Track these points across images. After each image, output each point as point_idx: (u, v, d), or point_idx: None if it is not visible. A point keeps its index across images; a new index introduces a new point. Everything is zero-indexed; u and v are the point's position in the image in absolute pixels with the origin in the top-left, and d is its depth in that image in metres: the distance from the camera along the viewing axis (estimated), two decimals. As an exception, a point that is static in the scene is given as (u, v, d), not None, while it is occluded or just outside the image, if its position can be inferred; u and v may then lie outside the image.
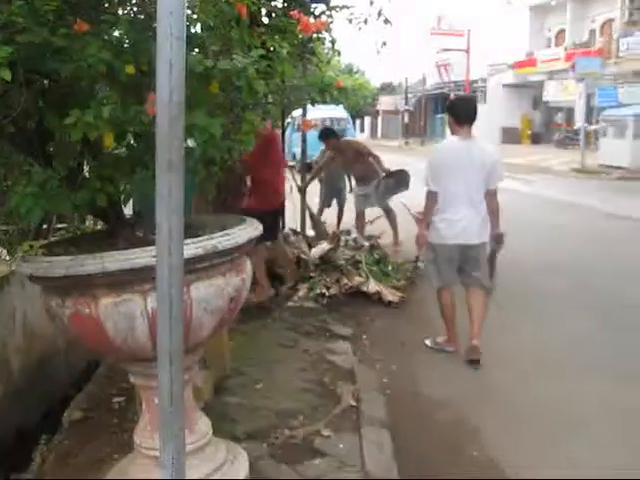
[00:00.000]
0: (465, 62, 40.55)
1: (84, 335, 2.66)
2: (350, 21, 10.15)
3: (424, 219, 5.59)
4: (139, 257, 2.38)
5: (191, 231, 2.72)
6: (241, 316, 6.08)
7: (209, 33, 2.79)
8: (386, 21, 9.42)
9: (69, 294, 2.55)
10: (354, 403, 4.14)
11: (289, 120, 27.68)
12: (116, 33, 2.56)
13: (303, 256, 7.24)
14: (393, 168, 9.96)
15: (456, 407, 4.45)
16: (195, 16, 2.72)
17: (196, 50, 2.85)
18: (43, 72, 2.44)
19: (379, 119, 58.72)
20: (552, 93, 36.24)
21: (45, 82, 2.56)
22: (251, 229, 2.76)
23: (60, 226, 4.84)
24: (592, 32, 35.14)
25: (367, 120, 60.00)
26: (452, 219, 5.39)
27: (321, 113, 27.21)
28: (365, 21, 9.56)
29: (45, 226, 4.11)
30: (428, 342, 5.74)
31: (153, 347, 2.45)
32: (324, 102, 3.72)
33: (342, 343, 5.51)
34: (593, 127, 27.11)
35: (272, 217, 6.38)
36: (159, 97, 1.72)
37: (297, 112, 27.61)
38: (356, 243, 8.29)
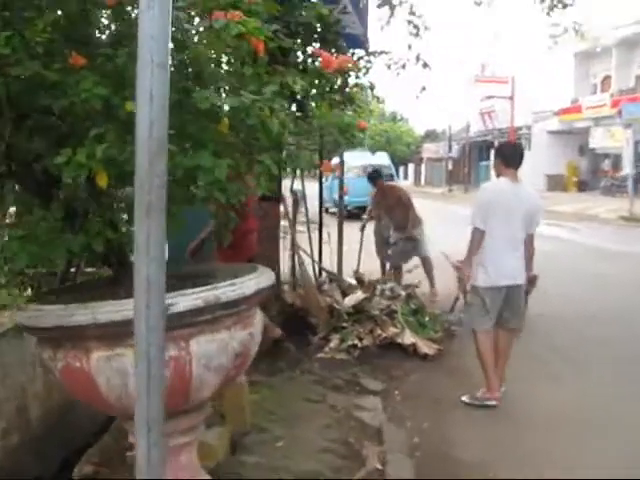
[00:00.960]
0: (509, 109, 40.23)
1: (76, 390, 2.47)
2: (389, 67, 10.10)
3: (468, 258, 5.46)
4: (131, 308, 2.17)
5: (200, 280, 2.52)
6: (268, 368, 5.96)
7: (217, 69, 2.62)
8: (425, 65, 9.32)
9: (61, 346, 2.36)
10: (379, 466, 3.85)
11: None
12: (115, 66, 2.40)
13: (336, 305, 6.99)
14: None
15: (490, 472, 4.12)
16: (202, 49, 2.54)
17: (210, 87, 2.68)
18: (37, 108, 2.29)
19: (422, 166, 58.58)
20: (598, 140, 35.65)
21: (41, 118, 2.41)
22: (262, 279, 2.55)
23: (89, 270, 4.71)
24: (638, 78, 34.67)
25: (411, 167, 59.90)
26: (502, 261, 5.33)
27: (362, 160, 27.26)
28: (403, 66, 9.48)
29: (73, 269, 3.97)
30: (466, 399, 5.45)
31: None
32: (349, 144, 3.54)
33: (372, 398, 5.22)
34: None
35: None
36: (138, 132, 1.55)
37: (345, 156, 27.83)
38: (392, 292, 8.00)
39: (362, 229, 10.80)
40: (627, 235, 18.19)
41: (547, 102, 37.97)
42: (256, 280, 2.49)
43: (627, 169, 31.75)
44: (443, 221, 20.45)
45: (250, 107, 2.36)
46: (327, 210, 27.26)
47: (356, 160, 26.66)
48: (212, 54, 2.59)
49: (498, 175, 5.57)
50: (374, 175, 10.71)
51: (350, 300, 7.15)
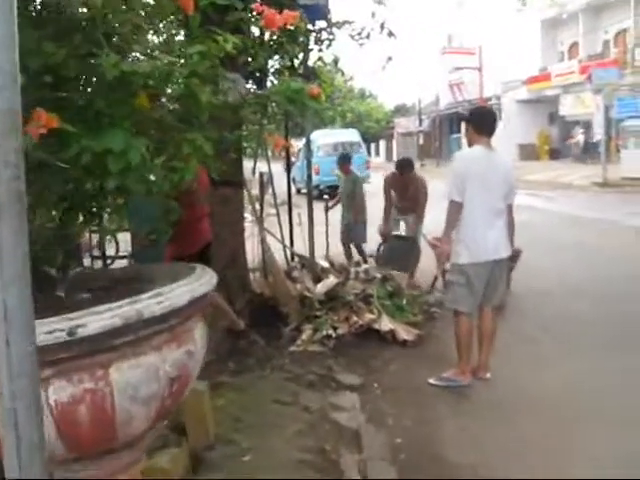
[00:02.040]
0: (478, 80, 39.90)
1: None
2: (352, 37, 9.61)
3: (446, 234, 5.14)
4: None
5: (136, 286, 2.06)
6: (236, 367, 5.52)
7: (133, 29, 2.13)
8: (390, 34, 8.84)
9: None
10: (359, 478, 3.43)
11: (300, 146, 27.40)
12: None
13: (307, 293, 6.54)
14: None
15: (481, 474, 3.72)
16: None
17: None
18: None
19: (394, 142, 58.13)
20: (568, 107, 35.42)
21: None
22: (198, 284, 2.09)
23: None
24: (606, 43, 34.49)
25: (382, 144, 59.40)
26: (484, 234, 4.98)
27: (332, 137, 26.79)
28: (368, 35, 8.99)
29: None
30: (433, 380, 5.17)
31: (66, 447, 1.79)
32: (301, 115, 3.10)
33: (349, 395, 4.80)
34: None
35: (195, 260, 5.55)
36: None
37: (314, 134, 27.40)
38: (367, 275, 7.59)
39: (326, 210, 10.36)
40: (601, 201, 17.97)
41: (516, 71, 37.58)
42: (189, 287, 2.02)
43: (598, 135, 31.69)
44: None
45: (169, 73, 1.89)
46: (299, 191, 26.96)
47: (325, 138, 26.18)
48: (127, 11, 2.11)
49: (470, 144, 5.20)
50: (344, 158, 10.61)
51: (322, 287, 6.71)
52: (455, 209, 4.97)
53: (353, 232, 9.97)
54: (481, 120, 5.16)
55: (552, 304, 7.37)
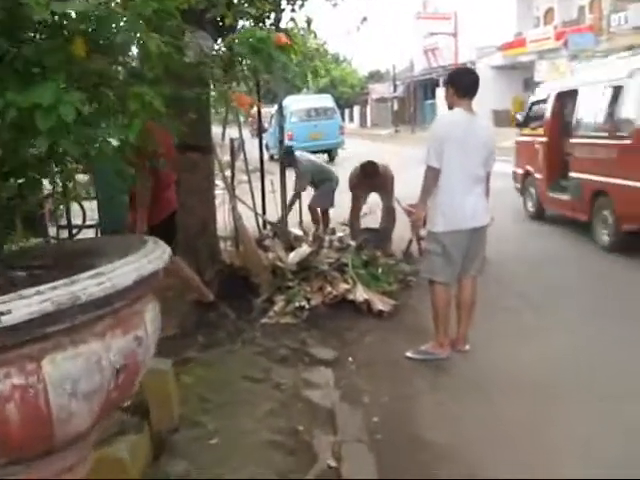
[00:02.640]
0: (453, 46, 39.53)
1: None
2: (327, -1, 9.28)
3: (422, 200, 4.91)
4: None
5: (85, 262, 1.81)
6: (205, 341, 5.28)
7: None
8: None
9: None
10: (333, 463, 3.22)
11: (273, 112, 27.10)
12: None
13: (279, 263, 6.29)
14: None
15: (464, 458, 3.52)
16: None
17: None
18: None
19: (368, 108, 57.66)
20: (543, 73, 35.06)
21: None
22: (146, 260, 1.82)
23: None
24: (581, 9, 34.08)
25: (356, 109, 58.90)
26: (462, 201, 4.75)
27: (306, 103, 26.36)
28: (340, -5, 8.69)
29: None
30: (410, 353, 4.98)
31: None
32: (268, 71, 2.81)
33: (323, 371, 4.57)
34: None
35: (160, 231, 5.25)
36: None
37: (287, 100, 26.96)
38: (341, 243, 7.37)
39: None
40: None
41: (491, 37, 37.23)
42: (136, 265, 1.75)
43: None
44: (391, 164, 19.93)
45: (107, 16, 1.61)
46: (272, 157, 26.62)
47: (299, 104, 25.75)
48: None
49: (451, 106, 4.93)
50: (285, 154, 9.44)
51: (295, 256, 6.46)
52: (432, 175, 4.74)
53: (318, 194, 9.60)
54: (462, 81, 4.89)
55: (528, 271, 7.26)
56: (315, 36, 10.09)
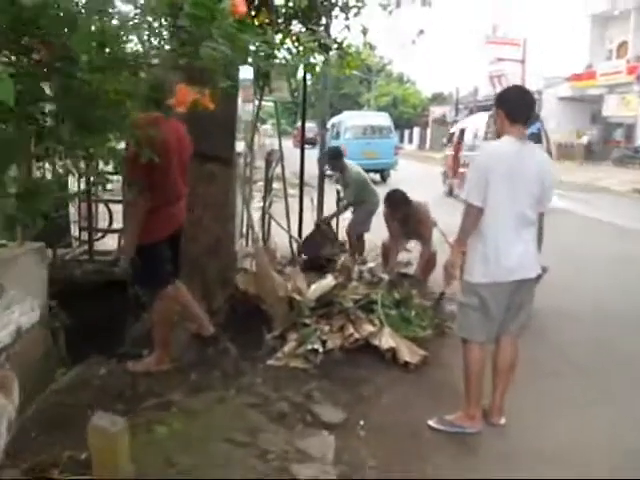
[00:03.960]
0: (520, 73, 38.41)
1: None
2: (384, 8, 8.61)
3: (459, 243, 4.10)
4: None
5: None
6: (196, 381, 4.57)
7: None
8: (424, 2, 7.84)
9: None
10: None
11: (328, 127, 26.57)
12: None
13: (295, 296, 5.55)
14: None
15: None
16: None
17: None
18: None
19: (428, 130, 56.76)
20: (612, 108, 33.94)
21: None
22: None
23: None
24: (657, 45, 32.86)
25: (416, 131, 58.02)
26: (507, 248, 3.93)
27: (362, 119, 25.68)
28: (398, 3, 8.00)
29: None
30: (434, 423, 4.18)
31: None
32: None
33: (324, 437, 3.78)
34: None
35: (164, 250, 4.55)
36: None
37: (337, 118, 26.35)
38: (373, 276, 6.60)
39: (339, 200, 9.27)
40: (643, 210, 16.73)
41: (560, 67, 36.12)
42: None
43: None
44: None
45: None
46: (325, 173, 25.97)
47: (354, 120, 25.08)
48: None
49: (500, 134, 4.10)
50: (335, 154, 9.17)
51: (316, 289, 5.72)
52: (473, 215, 3.94)
53: (356, 217, 8.81)
54: (514, 103, 4.06)
55: (581, 331, 6.25)
56: (371, 47, 9.37)
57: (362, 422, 4.13)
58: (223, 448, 3.48)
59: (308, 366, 4.89)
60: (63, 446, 3.51)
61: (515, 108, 4.03)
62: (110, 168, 6.31)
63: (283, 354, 5.00)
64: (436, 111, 53.25)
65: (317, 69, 7.42)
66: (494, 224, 3.90)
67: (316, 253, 8.64)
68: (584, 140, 33.99)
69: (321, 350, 5.00)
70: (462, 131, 19.72)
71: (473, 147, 16.99)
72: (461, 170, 17.22)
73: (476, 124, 18.49)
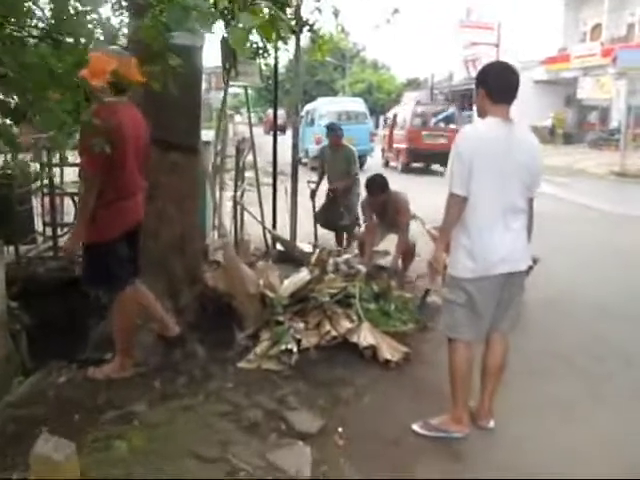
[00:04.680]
0: (495, 57, 38.16)
1: None
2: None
3: (443, 236, 3.77)
4: None
5: None
6: (162, 388, 4.23)
7: None
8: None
9: None
10: None
11: (302, 114, 26.22)
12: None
13: (268, 292, 5.21)
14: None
15: None
16: None
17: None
18: None
19: (404, 115, 56.46)
20: (587, 90, 33.81)
21: None
22: None
23: None
24: (631, 26, 32.76)
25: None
26: (495, 239, 3.60)
27: (336, 105, 25.30)
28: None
29: None
30: (418, 427, 3.88)
31: None
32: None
33: (300, 449, 3.46)
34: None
35: (120, 248, 4.18)
36: None
37: (311, 105, 26.01)
38: (349, 267, 6.28)
39: (312, 196, 9.09)
40: (624, 193, 16.58)
41: (534, 50, 35.95)
42: None
43: (615, 122, 30.28)
44: (418, 179, 18.79)
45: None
46: (299, 161, 25.59)
47: (329, 106, 24.68)
48: None
49: (482, 114, 3.76)
50: (333, 128, 9.18)
51: (289, 285, 5.38)
52: (456, 205, 3.61)
53: (343, 214, 8.59)
54: (498, 80, 3.70)
55: (573, 324, 5.97)
56: (343, 29, 9.04)
57: (340, 429, 3.81)
58: (188, 464, 3.16)
59: (282, 368, 4.58)
60: (14, 467, 3.20)
61: (498, 86, 3.68)
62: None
63: (255, 355, 4.67)
64: (411, 97, 52.94)
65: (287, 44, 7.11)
66: (479, 214, 3.58)
67: (333, 224, 8.66)
68: (548, 123, 33.89)
69: (295, 350, 4.68)
70: (395, 116, 25.40)
71: (402, 127, 23.60)
72: (394, 146, 23.75)
73: (405, 110, 24.85)
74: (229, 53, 5.68)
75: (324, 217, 8.86)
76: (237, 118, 21.05)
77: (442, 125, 23.48)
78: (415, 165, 22.81)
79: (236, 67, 5.98)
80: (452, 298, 3.76)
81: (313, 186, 9.11)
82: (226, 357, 4.68)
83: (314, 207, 9.03)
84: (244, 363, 4.61)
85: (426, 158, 22.57)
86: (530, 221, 3.87)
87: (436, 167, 22.44)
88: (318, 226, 9.01)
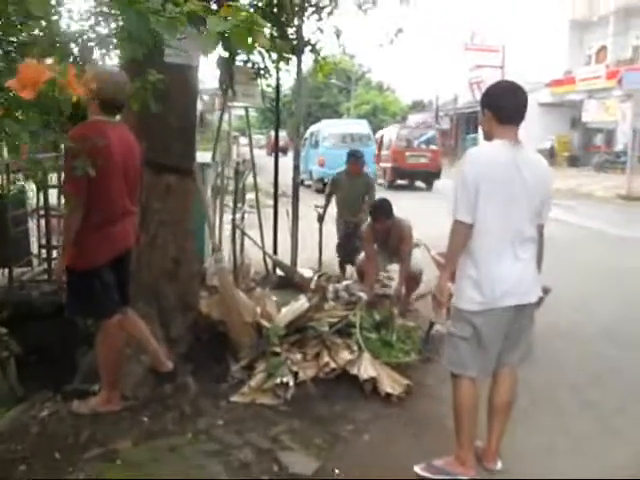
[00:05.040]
0: (499, 79, 38.19)
1: None
2: (360, 6, 8.13)
3: (448, 265, 3.55)
4: None
5: None
6: (149, 424, 4.00)
7: None
8: (402, 1, 7.38)
9: None
10: None
11: (306, 136, 26.18)
12: None
13: (264, 322, 4.99)
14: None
15: None
16: None
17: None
18: None
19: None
20: (592, 113, 33.71)
21: None
22: None
23: None
24: (636, 48, 32.75)
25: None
26: (503, 269, 3.36)
27: (340, 127, 25.21)
28: (374, 1, 7.53)
29: None
30: (420, 470, 3.62)
31: None
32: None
33: (293, 495, 3.26)
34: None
35: (106, 275, 3.94)
36: None
37: (315, 127, 25.95)
38: (350, 295, 6.07)
39: (320, 220, 8.69)
40: (631, 216, 16.31)
41: (539, 73, 35.90)
42: None
43: (620, 144, 30.11)
44: (425, 202, 18.52)
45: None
46: (302, 182, 25.52)
47: (333, 128, 24.58)
48: None
49: (489, 137, 3.54)
50: (355, 155, 8.46)
51: (287, 313, 5.17)
52: (461, 233, 3.39)
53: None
54: (505, 101, 3.49)
55: (583, 352, 5.74)
56: (344, 50, 8.87)
57: (337, 471, 3.58)
58: (171, 515, 2.93)
59: (277, 402, 4.35)
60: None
61: (505, 107, 3.48)
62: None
63: (249, 388, 4.44)
64: (416, 119, 52.95)
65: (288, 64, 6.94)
66: (486, 242, 3.36)
67: (353, 258, 7.86)
68: (547, 145, 33.72)
69: (292, 383, 4.45)
70: (382, 137, 27.25)
71: (388, 148, 25.57)
72: (381, 165, 24.92)
73: (390, 132, 27.11)
74: (226, 72, 5.50)
75: (343, 251, 8.39)
76: (242, 140, 21.01)
77: (424, 146, 25.63)
78: (400, 182, 24.88)
79: (233, 87, 5.79)
80: (456, 331, 3.52)
81: (320, 210, 8.73)
82: (219, 390, 4.46)
83: (321, 231, 8.70)
84: (237, 397, 4.38)
85: (409, 176, 24.97)
86: (540, 250, 3.65)
87: (419, 184, 25.04)
88: (321, 250, 8.75)
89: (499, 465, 3.68)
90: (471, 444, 3.60)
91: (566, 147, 36.71)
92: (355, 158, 8.40)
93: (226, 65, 5.36)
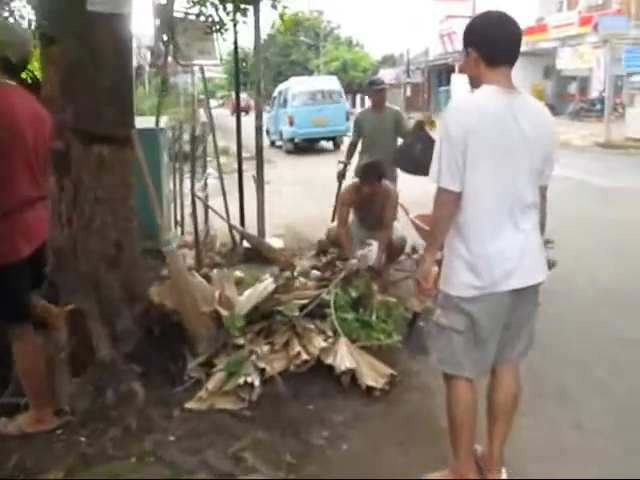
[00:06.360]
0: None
1: None
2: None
3: (433, 243, 2.86)
4: None
5: None
6: (87, 445, 3.34)
7: None
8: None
9: None
10: None
11: (275, 95, 25.34)
12: None
13: (222, 310, 4.32)
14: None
15: None
16: None
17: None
18: None
19: (380, 93, 55.56)
20: (565, 61, 33.10)
21: None
22: None
23: None
24: (608, -6, 32.02)
25: (368, 95, 56.80)
26: (500, 244, 2.69)
27: (309, 85, 24.35)
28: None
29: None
30: None
31: None
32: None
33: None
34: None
35: (21, 273, 3.25)
36: None
37: (283, 85, 25.13)
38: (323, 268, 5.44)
39: (340, 177, 7.54)
40: (612, 165, 15.82)
41: (511, 21, 35.17)
42: None
43: (595, 92, 29.64)
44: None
45: None
46: (273, 143, 24.73)
47: (302, 86, 23.68)
48: None
49: (475, 83, 2.84)
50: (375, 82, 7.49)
51: (250, 297, 4.51)
52: (448, 203, 2.71)
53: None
54: (494, 36, 2.79)
55: (595, 328, 5.15)
56: (310, 5, 8.15)
57: (312, 496, 2.97)
58: None
59: (240, 406, 3.71)
60: None
61: (494, 44, 2.78)
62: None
63: (207, 392, 3.78)
64: (387, 74, 52.05)
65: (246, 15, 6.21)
66: (480, 213, 2.69)
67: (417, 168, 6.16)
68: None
69: (257, 383, 3.81)
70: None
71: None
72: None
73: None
74: (165, 21, 4.76)
75: None
76: (213, 103, 20.14)
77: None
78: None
79: (175, 39, 5.04)
80: (448, 323, 2.86)
81: (341, 166, 7.61)
82: (171, 396, 3.80)
83: (339, 189, 7.44)
84: (193, 403, 3.73)
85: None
86: (543, 215, 2.99)
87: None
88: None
89: (504, 475, 3.08)
90: (469, 455, 3.00)
91: (540, 96, 35.98)
92: (376, 86, 7.37)
93: (165, 13, 4.61)
